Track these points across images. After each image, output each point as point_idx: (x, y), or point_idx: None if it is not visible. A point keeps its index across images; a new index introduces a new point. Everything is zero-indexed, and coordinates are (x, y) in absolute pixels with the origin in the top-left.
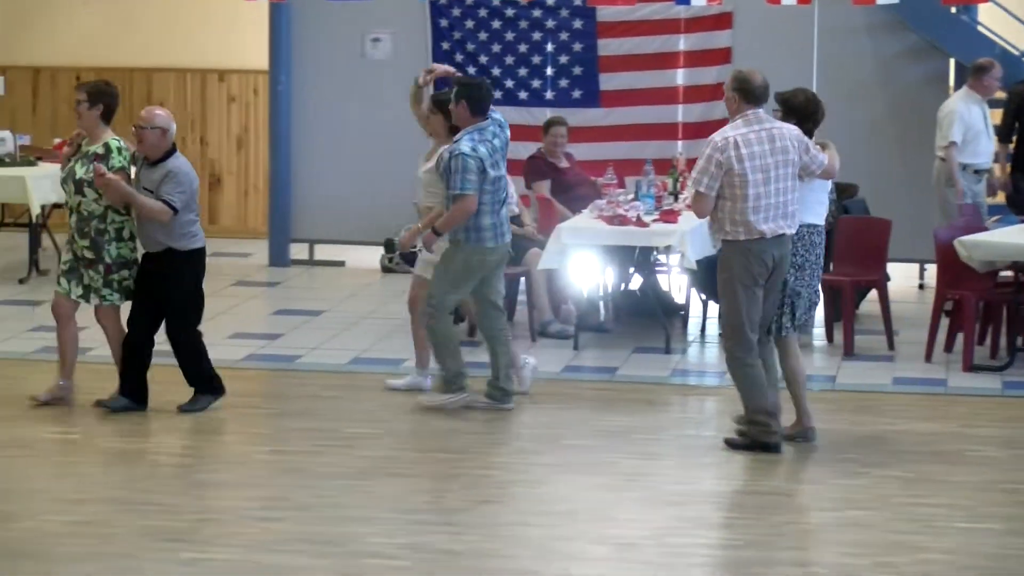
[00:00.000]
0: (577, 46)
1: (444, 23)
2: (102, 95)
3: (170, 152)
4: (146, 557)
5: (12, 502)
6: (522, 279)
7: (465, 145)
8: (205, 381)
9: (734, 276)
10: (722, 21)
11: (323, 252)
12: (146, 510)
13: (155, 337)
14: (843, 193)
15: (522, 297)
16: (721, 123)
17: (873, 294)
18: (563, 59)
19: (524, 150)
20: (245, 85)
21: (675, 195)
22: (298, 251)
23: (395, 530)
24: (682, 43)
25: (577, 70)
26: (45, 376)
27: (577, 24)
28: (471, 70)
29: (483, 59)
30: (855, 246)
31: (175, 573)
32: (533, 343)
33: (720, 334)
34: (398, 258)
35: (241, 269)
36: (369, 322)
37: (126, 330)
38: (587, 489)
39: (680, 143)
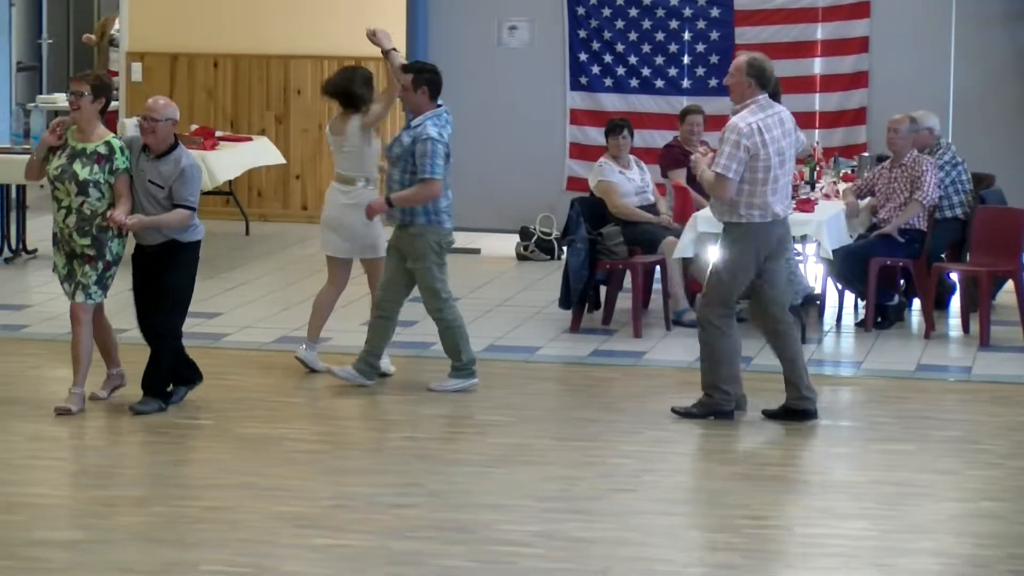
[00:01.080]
0: (714, 34)
1: (581, 11)
2: (105, 88)
3: (175, 144)
4: (278, 543)
5: (145, 487)
6: (657, 267)
7: (432, 130)
8: (163, 388)
9: (743, 256)
10: (859, 10)
11: (459, 240)
12: (279, 496)
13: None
14: (980, 183)
15: (657, 286)
16: (859, 112)
17: (1009, 284)
18: (700, 47)
19: (660, 139)
20: (382, 72)
21: (812, 184)
22: None
23: (527, 518)
24: (819, 32)
25: (714, 59)
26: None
27: (714, 12)
28: (608, 58)
29: (620, 47)
30: (991, 236)
31: (307, 559)
32: (668, 331)
33: (704, 304)
34: (534, 246)
35: None
36: (504, 309)
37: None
38: (721, 478)
39: (817, 132)
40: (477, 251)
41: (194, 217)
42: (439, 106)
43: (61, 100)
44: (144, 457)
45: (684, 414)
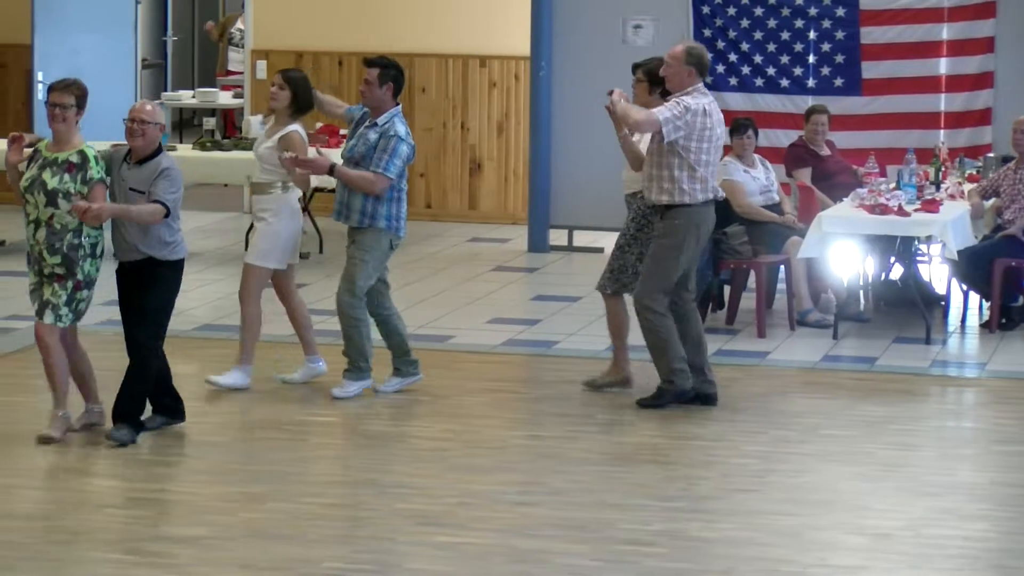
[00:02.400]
0: (839, 34)
1: (706, 10)
2: (86, 98)
3: (158, 150)
4: (400, 540)
5: (267, 483)
6: (781, 267)
7: (400, 128)
8: (136, 412)
9: (688, 238)
10: (986, 10)
11: (582, 238)
12: (401, 493)
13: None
14: None
15: (781, 286)
16: (984, 112)
17: None
18: (825, 47)
19: (785, 138)
20: (506, 71)
21: (937, 185)
22: (557, 237)
23: (650, 517)
24: (945, 32)
25: (839, 58)
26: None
27: (840, 12)
28: (733, 57)
29: (745, 46)
30: None
31: (429, 556)
32: (792, 331)
33: (643, 292)
34: None
35: (500, 255)
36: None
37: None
38: (844, 479)
39: (942, 132)
40: (600, 250)
41: (174, 232)
42: (397, 105)
43: (186, 97)
44: (267, 454)
45: (649, 405)
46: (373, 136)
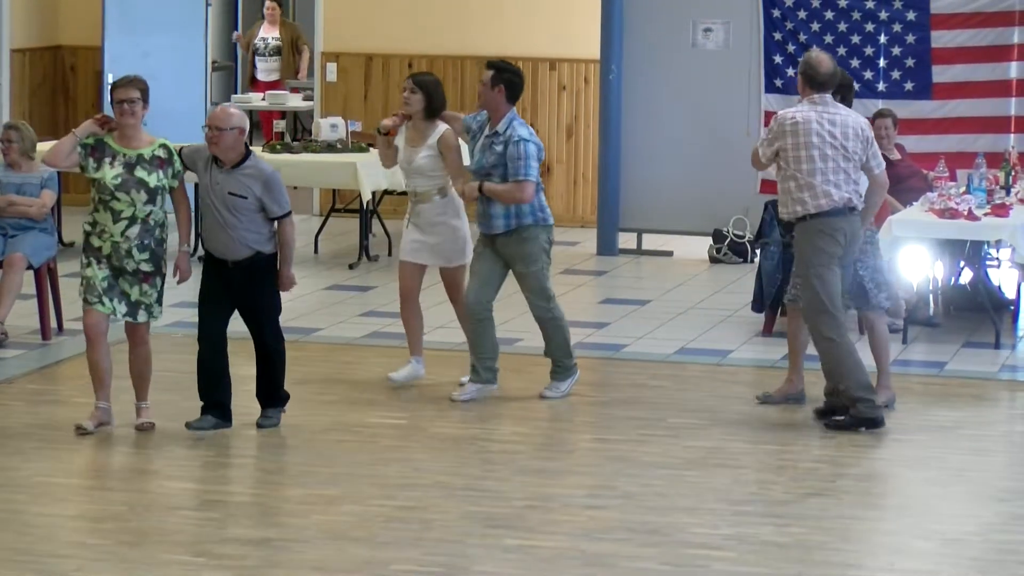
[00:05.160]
0: (910, 38)
1: (776, 13)
2: (148, 92)
3: (248, 153)
4: (470, 543)
5: (339, 486)
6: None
7: (523, 131)
8: (282, 394)
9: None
10: None
11: (651, 242)
12: (472, 496)
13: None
14: None
15: None
16: None
17: None
18: (896, 51)
19: None
20: (576, 74)
21: (1007, 189)
22: (626, 240)
23: (720, 521)
24: (1016, 36)
25: (910, 62)
26: (376, 361)
27: (910, 16)
28: None
29: None
30: None
31: (499, 559)
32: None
33: (807, 318)
34: (727, 249)
35: (569, 257)
36: (696, 312)
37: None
38: (914, 483)
39: (1012, 136)
40: (670, 254)
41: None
42: (511, 108)
43: (256, 99)
44: (338, 456)
45: (834, 427)
46: (499, 146)
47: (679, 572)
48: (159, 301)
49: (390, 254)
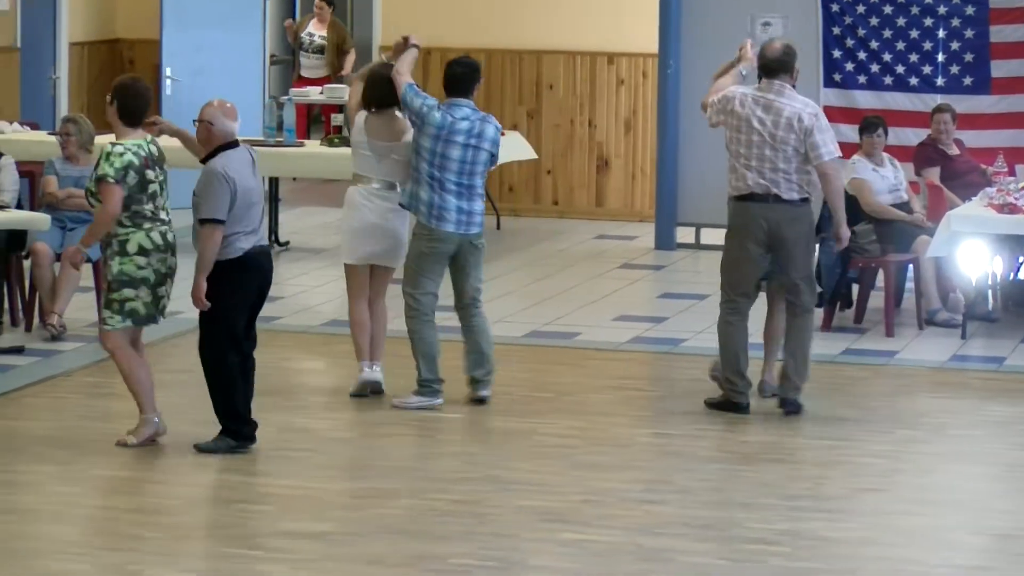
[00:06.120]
0: (969, 32)
1: (835, 8)
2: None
3: (214, 153)
4: (525, 537)
5: (394, 480)
6: (910, 266)
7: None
8: (221, 418)
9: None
10: None
11: (709, 236)
12: (527, 490)
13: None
14: None
15: (910, 285)
16: None
17: None
18: (954, 45)
19: (914, 137)
20: (634, 68)
21: None
22: (684, 235)
23: (775, 516)
24: None
25: (968, 57)
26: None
27: (969, 10)
28: (862, 55)
29: (874, 44)
30: None
31: (554, 553)
32: (920, 331)
33: (808, 299)
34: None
35: (627, 252)
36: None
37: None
38: (971, 479)
39: None
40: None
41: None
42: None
43: (314, 94)
44: (394, 450)
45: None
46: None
47: (734, 567)
48: (107, 307)
49: None
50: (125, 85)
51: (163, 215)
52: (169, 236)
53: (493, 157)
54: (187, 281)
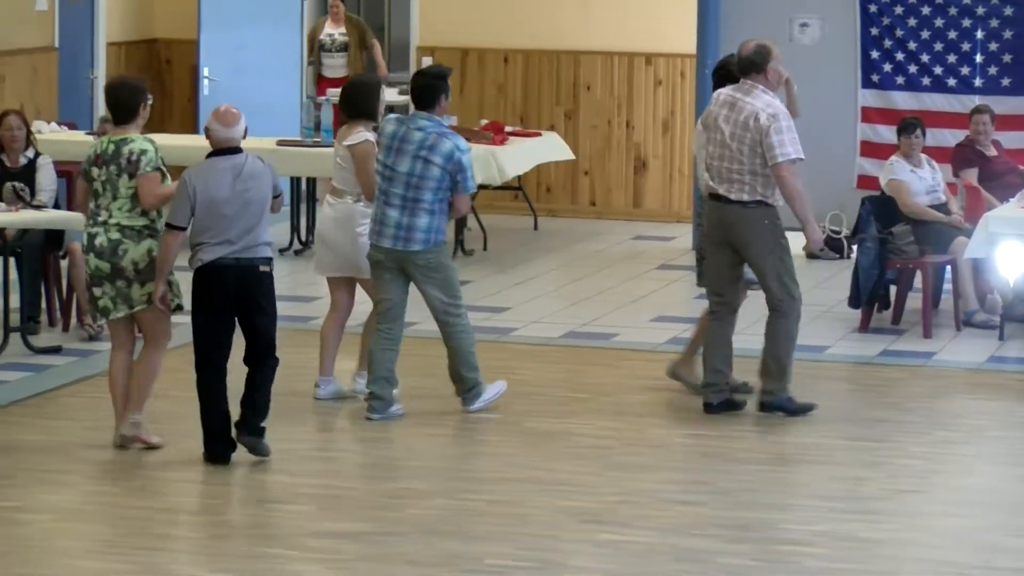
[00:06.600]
0: (1007, 33)
1: (873, 8)
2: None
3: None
4: (562, 537)
5: (432, 480)
6: (947, 267)
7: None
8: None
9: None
10: None
11: None
12: (564, 490)
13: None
14: None
15: (947, 286)
16: None
17: None
18: (993, 46)
19: (952, 138)
20: (672, 69)
21: None
22: None
23: (812, 517)
24: None
25: (1007, 58)
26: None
27: (1008, 11)
28: (900, 56)
29: (912, 45)
30: None
31: (591, 554)
32: (958, 332)
33: (779, 299)
34: (823, 244)
35: (665, 252)
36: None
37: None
38: (1009, 480)
39: None
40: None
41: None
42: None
43: None
44: (431, 450)
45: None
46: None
47: (771, 568)
48: None
49: (485, 248)
50: (105, 86)
51: (102, 215)
52: (98, 239)
53: (453, 177)
54: None
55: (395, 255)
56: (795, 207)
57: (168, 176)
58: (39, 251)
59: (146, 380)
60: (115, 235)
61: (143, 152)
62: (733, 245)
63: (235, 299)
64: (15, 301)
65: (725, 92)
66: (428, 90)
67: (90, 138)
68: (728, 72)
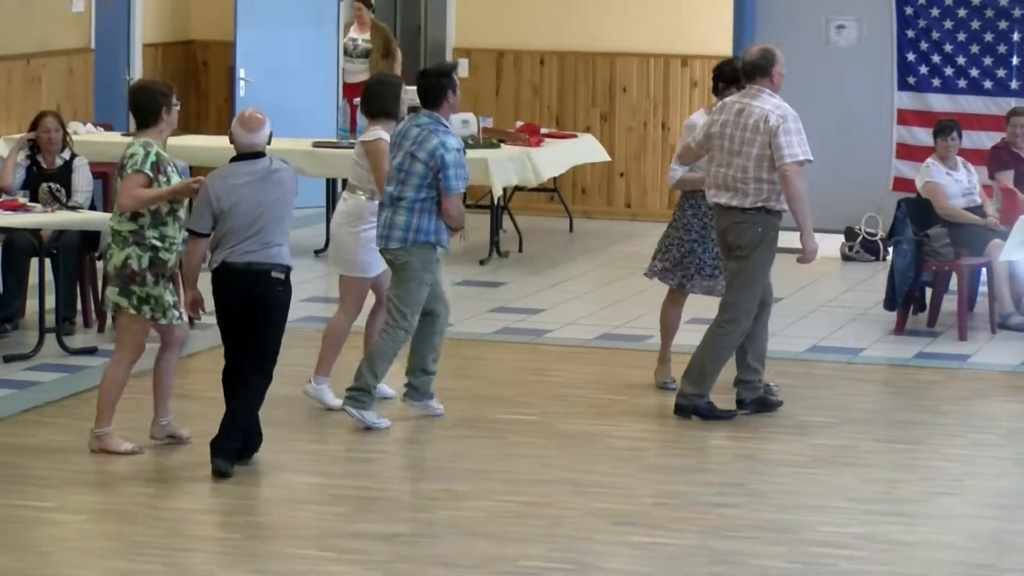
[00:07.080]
0: None
1: (909, 11)
2: None
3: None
4: (597, 539)
5: (467, 482)
6: (983, 270)
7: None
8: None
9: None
10: None
11: (782, 239)
12: (599, 492)
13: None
14: None
15: (983, 288)
16: None
17: None
18: None
19: (988, 140)
20: (708, 70)
21: None
22: None
23: (848, 519)
24: None
25: None
26: (506, 357)
27: None
28: (936, 59)
29: (948, 47)
30: None
31: (626, 556)
32: (993, 335)
33: (733, 314)
34: (859, 247)
35: None
36: (827, 310)
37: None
38: None
39: None
40: (798, 251)
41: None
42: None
43: None
44: (467, 452)
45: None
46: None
47: (807, 571)
48: None
49: (520, 250)
50: (128, 90)
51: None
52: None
53: (436, 175)
54: None
55: (385, 253)
56: (796, 209)
57: (156, 182)
58: (75, 252)
59: (107, 390)
60: (109, 239)
61: (132, 155)
62: (730, 248)
63: (243, 302)
64: (50, 302)
65: (733, 99)
66: (433, 89)
67: (126, 139)
68: (723, 75)
